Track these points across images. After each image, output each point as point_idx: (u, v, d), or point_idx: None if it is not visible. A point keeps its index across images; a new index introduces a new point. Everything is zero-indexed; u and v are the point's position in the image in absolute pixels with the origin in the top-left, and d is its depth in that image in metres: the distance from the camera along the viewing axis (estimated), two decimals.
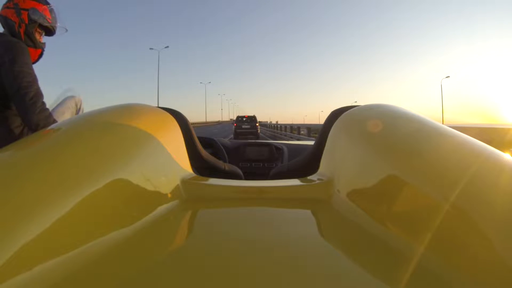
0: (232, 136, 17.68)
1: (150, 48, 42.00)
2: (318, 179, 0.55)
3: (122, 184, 0.41)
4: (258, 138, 16.30)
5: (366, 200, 0.44)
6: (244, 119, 20.17)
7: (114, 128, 0.52)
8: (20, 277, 0.26)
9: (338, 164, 0.54)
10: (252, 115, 20.25)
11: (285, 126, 21.19)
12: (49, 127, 0.52)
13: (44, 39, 1.52)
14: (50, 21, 1.46)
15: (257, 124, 19.48)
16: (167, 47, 41.30)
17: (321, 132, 0.72)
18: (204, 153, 0.78)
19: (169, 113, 0.68)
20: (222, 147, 1.20)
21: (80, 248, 0.31)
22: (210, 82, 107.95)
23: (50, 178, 0.36)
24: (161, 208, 0.43)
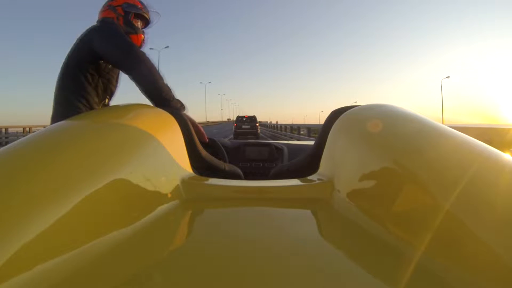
0: (232, 136, 17.67)
1: (150, 48, 41.89)
2: (318, 179, 0.55)
3: (122, 184, 0.41)
4: (258, 138, 16.27)
5: (366, 200, 0.44)
6: (244, 119, 20.16)
7: (114, 128, 0.52)
8: (20, 277, 0.26)
9: (338, 164, 0.54)
10: (252, 115, 20.27)
11: (285, 126, 21.20)
12: (49, 127, 0.52)
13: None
14: (142, 9, 1.67)
15: (257, 124, 19.49)
16: (167, 47, 41.37)
17: (321, 132, 0.72)
18: (204, 153, 0.78)
19: (169, 113, 0.68)
20: (222, 147, 1.20)
21: (80, 248, 0.31)
22: (210, 82, 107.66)
23: (50, 178, 0.36)
24: (161, 208, 0.43)
